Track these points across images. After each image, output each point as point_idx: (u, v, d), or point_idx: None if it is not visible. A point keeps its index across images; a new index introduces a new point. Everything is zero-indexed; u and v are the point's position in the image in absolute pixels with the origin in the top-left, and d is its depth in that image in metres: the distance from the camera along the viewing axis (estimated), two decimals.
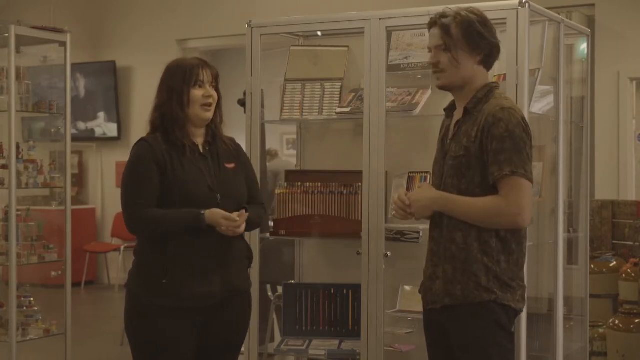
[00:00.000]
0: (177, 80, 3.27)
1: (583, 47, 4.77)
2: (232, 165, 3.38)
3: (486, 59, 3.06)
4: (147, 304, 3.24)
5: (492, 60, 3.09)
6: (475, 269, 2.96)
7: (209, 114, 3.31)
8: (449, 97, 4.01)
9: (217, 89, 3.35)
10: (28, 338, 5.21)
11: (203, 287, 3.23)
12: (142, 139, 3.30)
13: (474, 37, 3.01)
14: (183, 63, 3.33)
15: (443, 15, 3.05)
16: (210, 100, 3.29)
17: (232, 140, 3.45)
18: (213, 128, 3.36)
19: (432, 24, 3.09)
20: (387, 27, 3.99)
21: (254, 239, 4.19)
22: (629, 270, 5.54)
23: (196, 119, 3.30)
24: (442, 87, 3.14)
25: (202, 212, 3.19)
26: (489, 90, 3.05)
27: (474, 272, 2.96)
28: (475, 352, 2.99)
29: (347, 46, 4.35)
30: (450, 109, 3.18)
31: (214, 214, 3.19)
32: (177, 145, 3.27)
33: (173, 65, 3.34)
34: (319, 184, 4.19)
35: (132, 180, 3.26)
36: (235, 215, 3.21)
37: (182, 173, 3.24)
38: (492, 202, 2.93)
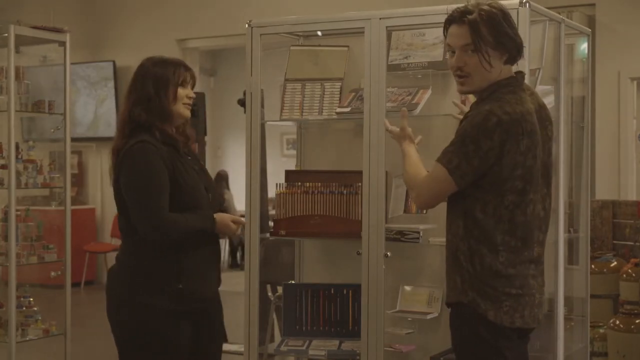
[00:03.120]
0: (165, 76, 3.29)
1: (583, 46, 4.77)
2: (202, 164, 3.51)
3: (512, 57, 2.90)
4: (161, 310, 3.22)
5: (518, 58, 2.92)
6: (454, 268, 2.92)
7: (189, 113, 3.37)
8: (449, 97, 4.01)
9: None
10: (27, 338, 5.21)
11: (209, 287, 3.32)
12: (144, 141, 3.23)
13: (502, 36, 2.84)
14: (169, 61, 3.34)
15: (467, 11, 2.84)
16: (191, 101, 3.35)
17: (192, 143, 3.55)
18: (184, 129, 3.40)
19: (454, 20, 2.87)
20: (387, 27, 3.99)
21: (254, 238, 4.19)
22: (629, 271, 5.53)
23: (178, 117, 3.33)
24: (466, 93, 3.04)
25: (214, 220, 3.27)
26: (495, 89, 2.89)
27: (453, 271, 2.93)
28: (457, 355, 2.99)
29: (347, 46, 4.34)
30: None
31: (224, 219, 3.28)
32: (172, 145, 3.29)
33: (157, 61, 3.34)
34: (319, 184, 4.18)
35: (146, 183, 3.20)
36: (239, 219, 3.34)
37: (185, 174, 3.27)
38: (416, 174, 2.98)
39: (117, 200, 3.31)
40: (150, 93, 3.26)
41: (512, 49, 2.89)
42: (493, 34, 2.84)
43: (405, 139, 3.13)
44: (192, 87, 3.38)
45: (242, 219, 3.37)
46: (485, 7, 2.85)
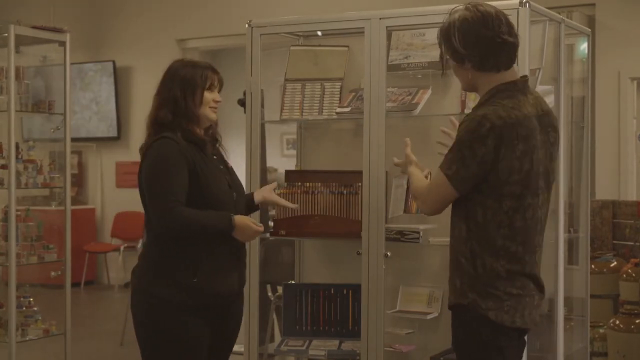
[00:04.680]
0: (193, 79, 3.33)
1: (583, 46, 4.76)
2: (230, 165, 3.51)
3: (479, 65, 2.91)
4: (173, 304, 3.24)
5: (490, 61, 2.90)
6: (455, 272, 2.94)
7: (215, 116, 3.40)
8: (449, 97, 4.02)
9: None
10: (27, 338, 5.20)
11: (226, 284, 3.34)
12: (165, 137, 3.28)
13: (452, 52, 2.93)
14: (198, 64, 3.40)
15: (441, 26, 2.98)
16: (218, 105, 3.39)
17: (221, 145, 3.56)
18: (212, 131, 3.45)
19: None
20: (387, 27, 3.99)
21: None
22: (629, 271, 5.54)
23: (204, 119, 3.37)
24: (465, 90, 3.18)
25: (234, 224, 3.25)
26: (492, 94, 2.92)
27: (453, 274, 2.95)
28: (458, 356, 3.00)
29: (347, 46, 4.34)
30: None
31: (245, 221, 3.28)
32: (196, 143, 3.32)
33: (186, 63, 3.40)
34: (319, 184, 4.18)
35: (162, 176, 3.24)
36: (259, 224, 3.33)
37: (208, 172, 3.31)
38: (419, 185, 3.09)
39: (141, 196, 3.34)
40: (177, 95, 3.32)
41: (468, 59, 2.92)
42: (447, 50, 2.96)
43: (410, 164, 3.23)
44: (219, 91, 3.42)
45: (260, 228, 3.31)
46: (447, 20, 2.94)
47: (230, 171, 3.46)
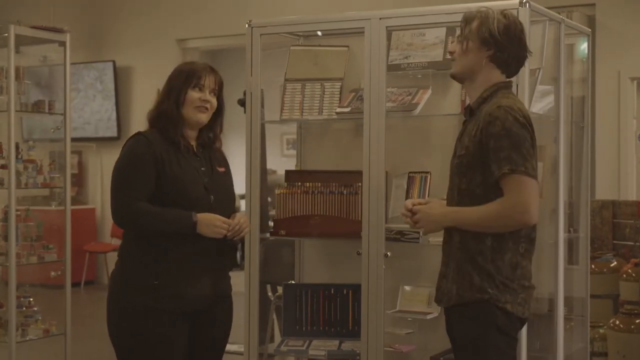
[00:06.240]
0: (179, 81, 3.30)
1: (583, 46, 4.77)
2: (222, 169, 3.42)
3: (498, 58, 3.02)
4: (138, 307, 3.20)
5: (506, 61, 3.04)
6: (470, 268, 2.97)
7: (202, 117, 3.31)
8: (449, 97, 4.02)
9: (219, 98, 3.37)
10: (27, 338, 5.20)
11: (195, 289, 3.24)
12: (139, 133, 3.30)
13: (484, 32, 3.00)
14: (189, 66, 3.37)
15: (477, 11, 3.08)
16: (207, 105, 3.31)
17: (219, 149, 3.48)
18: (207, 134, 3.37)
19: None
20: (387, 27, 3.99)
21: (254, 239, 4.19)
22: (629, 271, 5.53)
23: (189, 120, 3.31)
24: (454, 76, 3.15)
25: (195, 219, 3.19)
26: (496, 89, 3.03)
27: (468, 271, 2.98)
28: (470, 352, 3.01)
29: (347, 46, 4.34)
30: (467, 110, 3.16)
31: (208, 219, 3.20)
32: (173, 142, 3.28)
33: (180, 66, 3.39)
34: (319, 184, 4.18)
35: (126, 172, 3.24)
36: (230, 221, 3.24)
37: (179, 171, 3.25)
38: (498, 205, 2.92)
39: None
40: (163, 98, 3.32)
41: (494, 46, 3.02)
42: (477, 29, 3.03)
43: (436, 208, 3.08)
44: (218, 92, 3.34)
45: (231, 220, 3.24)
46: (490, 10, 3.06)
47: (214, 174, 3.35)
